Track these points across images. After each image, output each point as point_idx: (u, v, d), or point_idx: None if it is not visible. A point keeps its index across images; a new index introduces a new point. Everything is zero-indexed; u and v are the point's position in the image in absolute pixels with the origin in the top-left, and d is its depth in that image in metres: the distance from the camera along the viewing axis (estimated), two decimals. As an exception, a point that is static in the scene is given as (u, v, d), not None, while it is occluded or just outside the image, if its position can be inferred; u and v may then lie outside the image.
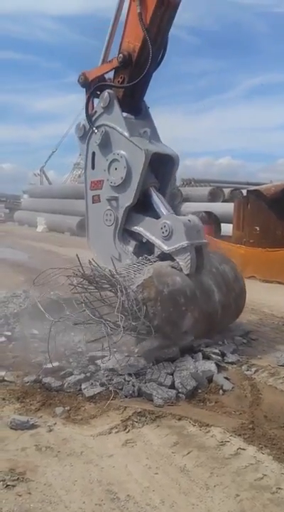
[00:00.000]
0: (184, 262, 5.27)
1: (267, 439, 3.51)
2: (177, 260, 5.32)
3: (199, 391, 4.37)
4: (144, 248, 5.90)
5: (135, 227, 5.92)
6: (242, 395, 4.36)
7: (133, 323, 4.59)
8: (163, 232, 5.47)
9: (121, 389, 4.24)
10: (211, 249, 6.41)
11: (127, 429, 3.62)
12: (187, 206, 19.88)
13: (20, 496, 2.74)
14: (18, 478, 2.91)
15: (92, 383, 4.33)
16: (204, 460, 3.25)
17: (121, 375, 4.44)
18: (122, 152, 5.85)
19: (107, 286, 4.89)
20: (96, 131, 6.12)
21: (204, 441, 3.49)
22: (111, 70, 6.11)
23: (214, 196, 23.02)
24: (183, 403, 4.16)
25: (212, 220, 16.06)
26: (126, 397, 4.17)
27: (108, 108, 6.00)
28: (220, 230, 16.34)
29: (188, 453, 3.33)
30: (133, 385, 4.28)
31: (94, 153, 6.26)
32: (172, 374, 4.51)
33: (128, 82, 5.92)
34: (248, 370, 4.94)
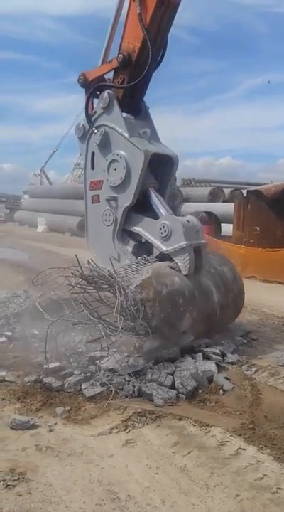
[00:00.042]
0: (182, 262, 5.27)
1: (267, 439, 3.52)
2: (176, 261, 5.32)
3: (200, 391, 4.38)
4: (143, 248, 5.90)
5: (135, 228, 5.93)
6: (242, 395, 4.36)
7: (132, 324, 4.59)
8: (162, 233, 5.47)
9: (122, 389, 4.24)
10: (210, 250, 6.40)
11: (127, 429, 3.62)
12: (187, 206, 19.92)
13: (20, 495, 2.75)
14: (18, 478, 2.91)
15: (92, 383, 4.33)
16: (204, 460, 3.25)
17: (121, 375, 4.44)
18: (121, 152, 5.85)
19: (106, 286, 4.89)
20: (95, 131, 6.12)
21: (204, 441, 3.49)
22: (110, 70, 6.12)
23: (214, 196, 23.02)
24: (183, 403, 4.16)
25: (212, 221, 16.10)
26: (126, 397, 4.17)
27: (107, 108, 6.00)
28: (220, 230, 16.37)
29: (188, 453, 3.34)
30: (134, 385, 4.28)
31: (93, 154, 6.27)
32: (172, 374, 4.51)
33: (127, 82, 5.92)
34: (248, 370, 4.94)
